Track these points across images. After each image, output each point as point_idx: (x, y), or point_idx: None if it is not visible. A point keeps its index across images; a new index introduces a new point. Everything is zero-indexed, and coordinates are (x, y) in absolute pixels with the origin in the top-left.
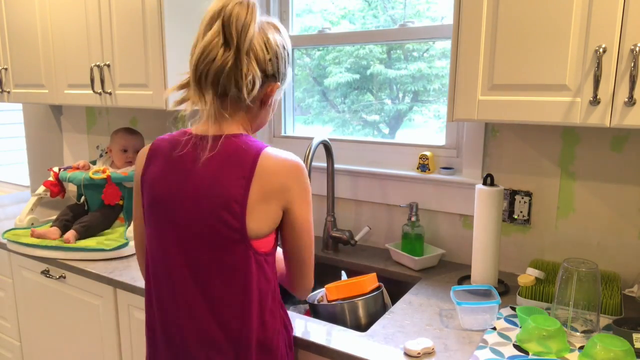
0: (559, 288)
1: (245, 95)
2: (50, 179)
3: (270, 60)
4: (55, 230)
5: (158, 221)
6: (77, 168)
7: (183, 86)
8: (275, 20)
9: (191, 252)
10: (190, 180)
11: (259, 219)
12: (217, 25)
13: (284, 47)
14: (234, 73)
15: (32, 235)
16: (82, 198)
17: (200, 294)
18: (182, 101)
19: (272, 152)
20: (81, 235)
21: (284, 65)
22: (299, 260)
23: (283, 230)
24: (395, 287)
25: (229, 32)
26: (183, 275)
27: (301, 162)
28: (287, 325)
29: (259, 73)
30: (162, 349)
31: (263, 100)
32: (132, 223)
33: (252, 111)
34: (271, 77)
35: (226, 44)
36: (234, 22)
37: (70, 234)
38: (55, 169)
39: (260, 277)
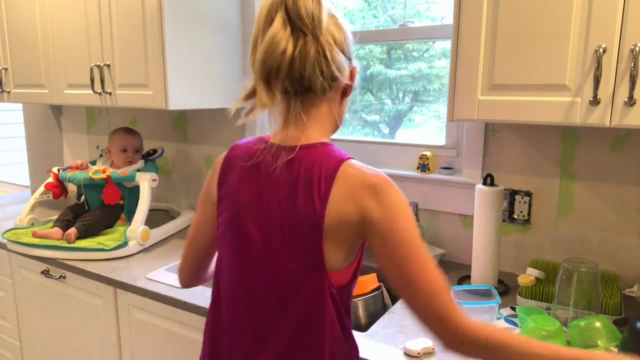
0: (559, 288)
1: (338, 83)
2: (50, 180)
3: (344, 39)
4: (57, 231)
5: (231, 241)
6: (77, 168)
7: (249, 95)
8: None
9: (263, 280)
10: (265, 196)
11: (337, 251)
12: (280, 16)
13: (349, 29)
14: (316, 61)
15: (34, 236)
16: (82, 198)
17: (271, 329)
18: (251, 110)
19: (355, 164)
20: (82, 234)
21: (353, 48)
22: (403, 291)
23: (379, 263)
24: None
25: (298, 18)
26: (255, 304)
27: (385, 176)
28: None
29: (342, 56)
30: None
31: (345, 89)
32: (132, 223)
33: (334, 106)
34: (348, 59)
35: (297, 32)
36: (302, 6)
37: (72, 231)
38: (55, 170)
39: (333, 314)
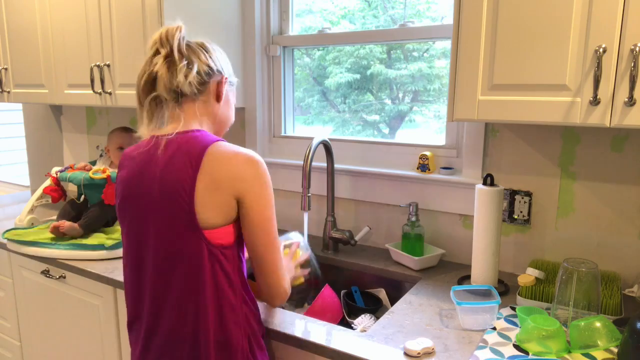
0: (558, 288)
1: (189, 88)
2: (49, 184)
3: (211, 57)
4: (70, 224)
5: (125, 217)
6: (77, 169)
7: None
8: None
9: (154, 244)
10: (147, 174)
11: (210, 208)
12: (150, 51)
13: (220, 53)
14: (168, 74)
15: (54, 231)
16: (82, 197)
17: (165, 287)
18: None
19: (225, 144)
20: (85, 230)
21: (226, 65)
22: (258, 259)
23: (241, 225)
24: (395, 287)
25: (159, 48)
26: (149, 266)
27: (258, 156)
28: (254, 323)
29: (200, 66)
30: (140, 341)
31: (217, 93)
32: None
33: (208, 106)
34: (217, 71)
35: (156, 53)
36: (163, 36)
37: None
38: (53, 173)
39: (216, 269)
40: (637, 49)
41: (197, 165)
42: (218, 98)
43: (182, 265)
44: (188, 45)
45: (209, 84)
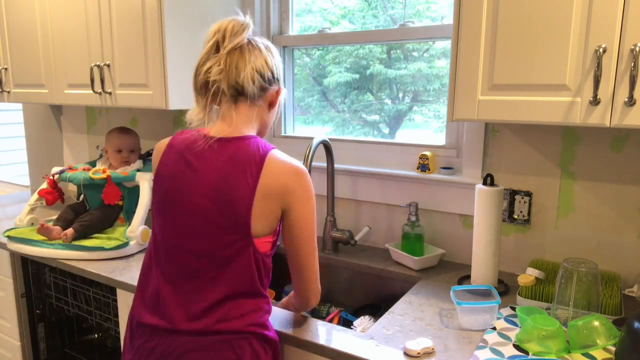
0: (558, 288)
1: (252, 88)
2: (44, 186)
3: (276, 65)
4: (58, 229)
5: (166, 213)
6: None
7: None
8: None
9: (199, 247)
10: (199, 175)
11: (261, 217)
12: (212, 40)
13: (280, 62)
14: (232, 70)
15: (40, 228)
16: (82, 197)
17: (208, 291)
18: (193, 114)
19: (279, 154)
20: (79, 235)
21: (282, 76)
22: (299, 267)
23: (283, 232)
24: (395, 287)
25: (222, 40)
26: (187, 269)
27: (304, 167)
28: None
29: (259, 72)
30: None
31: (271, 101)
32: (132, 223)
33: (260, 113)
34: (277, 80)
35: (217, 51)
36: (228, 31)
37: (69, 232)
38: (52, 175)
39: (260, 277)
40: (637, 49)
41: (257, 175)
42: (271, 106)
43: (230, 271)
44: (253, 45)
45: (268, 90)
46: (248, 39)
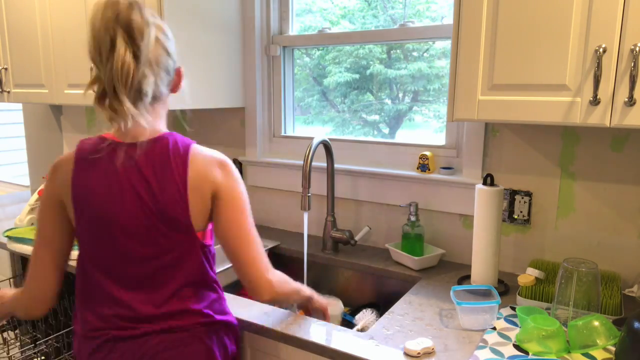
0: (558, 288)
1: (164, 90)
2: (43, 186)
3: (172, 45)
4: None
5: (102, 229)
6: None
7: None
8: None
9: (141, 255)
10: (119, 178)
11: (199, 213)
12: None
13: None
14: (145, 75)
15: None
16: None
17: (159, 294)
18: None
19: (199, 148)
20: None
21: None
22: (233, 255)
23: (216, 225)
24: (395, 287)
25: (107, 30)
26: (131, 278)
27: (225, 156)
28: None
29: (167, 64)
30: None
31: (176, 86)
32: None
33: (166, 101)
34: (175, 59)
35: (112, 47)
36: (107, 18)
37: None
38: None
39: (209, 269)
40: (637, 49)
41: (184, 171)
42: (174, 89)
43: (181, 269)
44: (146, 30)
45: (173, 79)
46: (146, 20)
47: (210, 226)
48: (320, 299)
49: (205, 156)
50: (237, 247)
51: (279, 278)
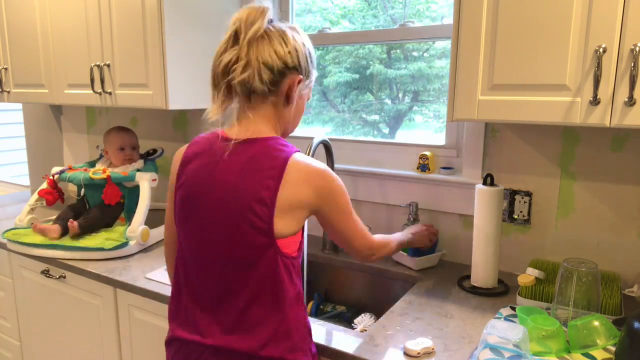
0: (558, 288)
1: (261, 86)
2: (44, 187)
3: (290, 52)
4: (56, 228)
5: (189, 219)
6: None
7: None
8: (295, 25)
9: (222, 252)
10: (217, 178)
11: (285, 219)
12: (230, 31)
13: (303, 44)
14: (243, 65)
15: (34, 229)
16: (82, 191)
17: (233, 298)
18: (211, 112)
19: (302, 157)
20: (82, 230)
21: (305, 60)
22: (343, 243)
23: (324, 229)
24: (395, 287)
25: (239, 31)
26: (213, 275)
27: (329, 169)
28: (308, 335)
29: (267, 66)
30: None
31: (287, 94)
32: (132, 223)
33: (278, 108)
34: (292, 69)
35: (235, 42)
36: (244, 21)
37: (75, 223)
38: (51, 175)
39: (290, 279)
40: (637, 49)
41: (279, 178)
42: (288, 100)
43: (255, 276)
44: (267, 33)
45: (281, 84)
46: (266, 27)
47: (296, 238)
48: (417, 230)
49: (304, 167)
50: (347, 244)
51: (380, 246)
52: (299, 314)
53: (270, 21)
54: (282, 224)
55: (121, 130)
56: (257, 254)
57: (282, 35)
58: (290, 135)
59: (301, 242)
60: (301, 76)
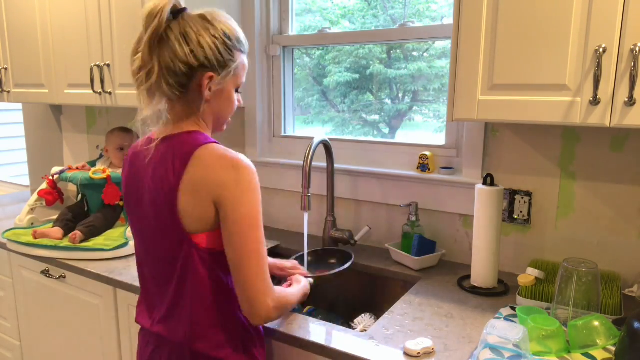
0: (558, 288)
1: (168, 90)
2: (44, 187)
3: (192, 51)
4: (57, 230)
5: (131, 220)
6: (77, 169)
7: None
8: (211, 10)
9: (152, 247)
10: (141, 177)
11: (191, 213)
12: (141, 31)
13: (213, 35)
14: (146, 73)
15: (35, 236)
16: (79, 196)
17: (163, 291)
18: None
19: (214, 147)
20: (86, 236)
21: (216, 53)
22: (233, 269)
23: (222, 230)
24: (395, 287)
25: (143, 30)
26: (149, 268)
27: (246, 160)
28: (251, 329)
29: (176, 66)
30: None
31: (200, 92)
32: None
33: (195, 105)
34: (199, 67)
35: (139, 43)
36: (144, 18)
37: (76, 234)
38: (50, 176)
39: (211, 275)
40: (637, 49)
41: (181, 170)
42: (201, 98)
43: (176, 270)
44: (167, 33)
45: (190, 84)
46: (168, 24)
47: (212, 235)
48: (303, 285)
49: (214, 155)
50: (237, 263)
51: (278, 303)
52: (228, 311)
53: (179, 12)
54: (190, 215)
55: (122, 130)
56: (174, 249)
57: (183, 33)
58: (290, 135)
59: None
60: (211, 72)
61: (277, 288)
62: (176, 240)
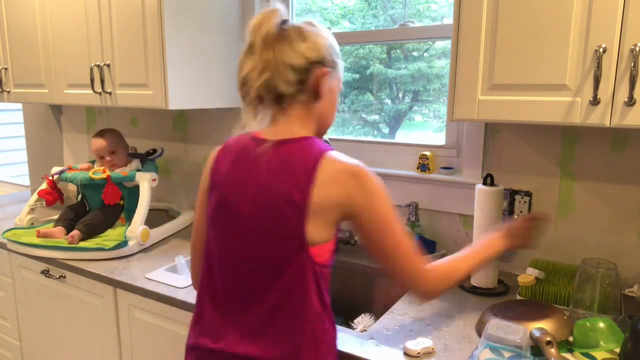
0: (577, 289)
1: (286, 87)
2: (44, 187)
3: (310, 47)
4: (60, 230)
5: (220, 221)
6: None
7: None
8: (312, 20)
9: (250, 257)
10: (249, 180)
11: (317, 224)
12: (248, 41)
13: (323, 36)
14: (258, 71)
15: (38, 235)
16: (80, 196)
17: (257, 304)
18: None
19: (335, 155)
20: (85, 235)
21: (328, 52)
22: (388, 264)
23: (361, 237)
24: (396, 287)
25: (252, 38)
26: (240, 279)
27: (361, 164)
28: (335, 346)
29: (296, 60)
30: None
31: (316, 90)
32: (132, 223)
33: (309, 106)
34: (317, 63)
35: (250, 51)
36: (253, 27)
37: (75, 233)
38: (50, 176)
39: (318, 290)
40: (637, 49)
41: (307, 187)
42: (318, 96)
43: (281, 283)
44: (282, 33)
45: (308, 81)
46: (280, 28)
47: (329, 246)
48: (510, 227)
49: (336, 165)
50: (382, 262)
51: (437, 276)
52: (326, 329)
53: (284, 22)
54: (314, 229)
55: (96, 135)
56: (285, 259)
57: (299, 31)
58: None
59: (333, 251)
60: (327, 68)
61: (443, 260)
62: (290, 250)
